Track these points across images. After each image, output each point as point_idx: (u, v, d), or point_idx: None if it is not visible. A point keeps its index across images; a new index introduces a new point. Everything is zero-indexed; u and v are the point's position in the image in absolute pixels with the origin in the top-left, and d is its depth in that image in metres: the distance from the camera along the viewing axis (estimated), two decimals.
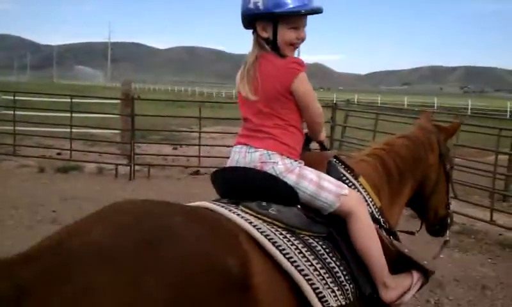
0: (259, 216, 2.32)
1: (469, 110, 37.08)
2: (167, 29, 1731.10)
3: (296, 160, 2.53)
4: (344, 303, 2.33)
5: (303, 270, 2.22)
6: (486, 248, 7.56)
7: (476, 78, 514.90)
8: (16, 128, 12.76)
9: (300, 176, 2.47)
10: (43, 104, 16.98)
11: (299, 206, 2.46)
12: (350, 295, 2.38)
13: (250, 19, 2.59)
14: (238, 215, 2.30)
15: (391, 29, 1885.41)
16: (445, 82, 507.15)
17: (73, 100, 17.84)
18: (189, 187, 10.70)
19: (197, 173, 12.14)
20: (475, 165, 11.66)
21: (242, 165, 2.54)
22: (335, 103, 11.78)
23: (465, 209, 9.19)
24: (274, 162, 2.46)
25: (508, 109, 42.08)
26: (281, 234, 2.28)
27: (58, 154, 13.33)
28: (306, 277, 2.22)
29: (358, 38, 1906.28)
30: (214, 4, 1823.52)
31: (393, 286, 2.55)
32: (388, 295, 2.53)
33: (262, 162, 2.48)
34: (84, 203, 8.89)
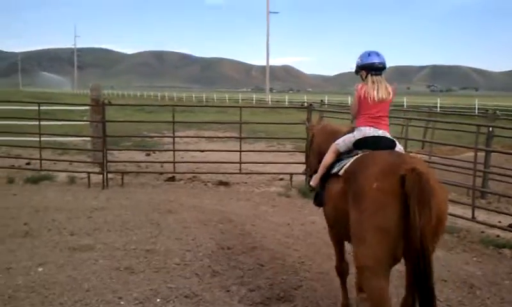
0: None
1: (438, 109, 37.46)
2: (134, 33, 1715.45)
3: None
4: None
5: None
6: (470, 246, 7.53)
7: (442, 77, 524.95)
8: None
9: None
10: (8, 112, 16.44)
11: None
12: None
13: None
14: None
15: (357, 30, 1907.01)
16: (412, 81, 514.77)
17: (40, 108, 17.43)
18: (165, 194, 10.45)
19: (172, 179, 11.88)
20: (450, 163, 11.74)
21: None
22: (310, 104, 11.64)
23: None
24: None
25: (476, 106, 42.79)
26: None
27: (27, 164, 12.91)
28: None
29: (325, 40, 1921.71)
30: (182, 8, 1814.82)
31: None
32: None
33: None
34: (57, 214, 8.59)
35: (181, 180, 11.96)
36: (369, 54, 4.80)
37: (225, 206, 9.65)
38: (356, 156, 4.42)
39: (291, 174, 11.47)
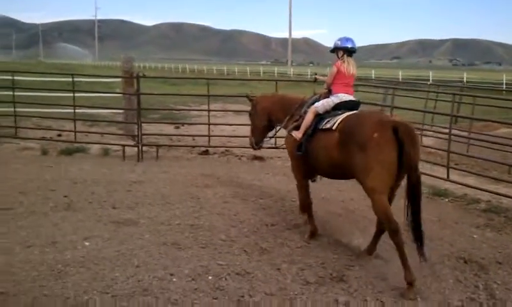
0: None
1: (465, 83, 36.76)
2: (153, 5, 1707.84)
3: None
4: None
5: None
6: None
7: (464, 51, 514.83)
8: (16, 109, 12.24)
9: None
10: (35, 84, 16.40)
11: None
12: None
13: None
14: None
15: (378, 3, 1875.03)
16: (434, 55, 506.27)
17: (66, 80, 17.37)
18: (201, 167, 10.35)
19: (206, 152, 11.76)
20: (487, 139, 11.45)
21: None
22: None
23: (487, 185, 8.95)
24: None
25: (504, 82, 41.86)
26: None
27: (59, 136, 12.89)
28: None
29: (346, 13, 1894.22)
30: None
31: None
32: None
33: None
34: (95, 187, 8.54)
35: (215, 153, 11.86)
36: (347, 39, 6.41)
37: (262, 181, 9.52)
38: (343, 115, 5.85)
39: None
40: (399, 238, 5.14)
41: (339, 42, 6.38)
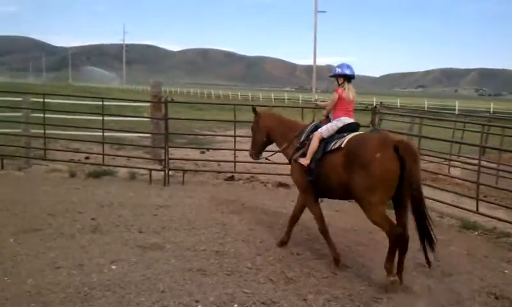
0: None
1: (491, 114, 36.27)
2: (180, 31, 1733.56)
3: None
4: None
5: None
6: None
7: (490, 80, 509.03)
8: (46, 131, 12.47)
9: None
10: (65, 106, 16.71)
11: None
12: None
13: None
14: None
15: (404, 31, 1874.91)
16: (459, 84, 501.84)
17: (95, 103, 17.64)
18: (226, 193, 10.37)
19: (231, 178, 11.79)
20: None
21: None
22: (375, 107, 11.27)
23: None
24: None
25: None
26: None
27: (86, 158, 13.07)
28: None
29: (371, 41, 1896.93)
30: (226, 7, 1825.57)
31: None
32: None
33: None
34: (122, 210, 8.61)
35: (240, 179, 11.87)
36: (347, 66, 6.78)
37: (288, 209, 9.42)
38: (348, 136, 6.20)
39: None
40: (397, 241, 5.73)
41: (339, 69, 6.78)
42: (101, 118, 12.35)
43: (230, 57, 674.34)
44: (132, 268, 6.05)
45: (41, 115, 12.52)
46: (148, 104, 14.09)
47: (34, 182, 10.73)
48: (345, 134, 6.32)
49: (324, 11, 74.29)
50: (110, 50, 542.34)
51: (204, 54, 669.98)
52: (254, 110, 7.80)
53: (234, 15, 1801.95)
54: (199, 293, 5.42)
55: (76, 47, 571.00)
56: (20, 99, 12.99)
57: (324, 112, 6.97)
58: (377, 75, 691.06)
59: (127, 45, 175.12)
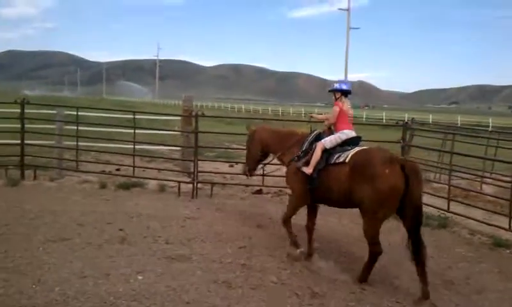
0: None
1: None
2: (213, 47, 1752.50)
3: None
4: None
5: None
6: None
7: None
8: (79, 143, 12.69)
9: None
10: (97, 119, 17.00)
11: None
12: None
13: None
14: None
15: (436, 47, 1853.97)
16: (493, 101, 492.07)
17: (126, 116, 17.87)
18: (254, 207, 10.35)
19: (259, 191, 11.77)
20: None
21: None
22: (406, 122, 11.14)
23: None
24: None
25: None
26: None
27: (117, 170, 13.24)
28: None
29: (403, 56, 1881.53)
30: (258, 23, 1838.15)
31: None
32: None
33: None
34: (150, 222, 8.66)
35: (268, 193, 11.84)
36: (344, 83, 7.40)
37: (316, 224, 9.35)
38: (352, 151, 6.56)
39: None
40: (374, 261, 6.27)
41: (337, 85, 7.27)
42: (132, 130, 12.57)
43: (262, 72, 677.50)
44: (158, 279, 6.07)
45: (75, 127, 12.77)
46: (178, 118, 14.23)
47: (65, 193, 10.90)
48: (349, 148, 6.72)
49: (358, 28, 74.04)
50: (144, 66, 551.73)
51: (236, 69, 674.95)
52: (248, 129, 8.18)
53: (266, 32, 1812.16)
54: (223, 305, 5.40)
55: (111, 62, 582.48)
56: (54, 112, 13.25)
57: (326, 123, 7.36)
58: (410, 91, 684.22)
59: (160, 61, 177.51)
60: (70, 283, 5.81)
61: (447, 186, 10.47)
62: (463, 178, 12.61)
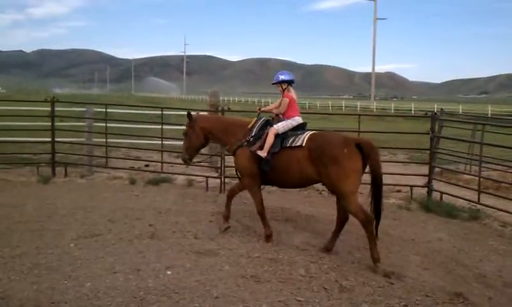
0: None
1: None
2: (239, 41, 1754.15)
3: None
4: None
5: None
6: None
7: None
8: (108, 140, 12.89)
9: None
10: (126, 116, 17.22)
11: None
12: None
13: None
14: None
15: (466, 36, 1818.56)
16: None
17: (154, 112, 18.03)
18: (281, 200, 10.35)
19: None
20: None
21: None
22: (435, 113, 10.97)
23: None
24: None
25: None
26: None
27: (146, 166, 13.41)
28: None
29: (432, 47, 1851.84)
30: (284, 16, 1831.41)
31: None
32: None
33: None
34: (179, 217, 8.76)
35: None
36: (288, 73, 7.75)
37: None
38: (306, 134, 7.08)
39: (411, 186, 10.95)
40: (371, 227, 6.57)
41: (283, 76, 7.68)
42: (160, 126, 12.72)
43: (289, 66, 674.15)
44: (186, 273, 6.14)
45: (104, 124, 12.98)
46: (206, 113, 14.31)
47: (96, 189, 11.09)
48: (299, 132, 7.23)
49: (384, 18, 73.37)
50: (172, 61, 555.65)
51: (262, 63, 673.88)
52: (188, 116, 8.16)
53: (292, 25, 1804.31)
54: (252, 300, 5.43)
55: (139, 59, 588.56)
56: (84, 109, 13.51)
57: (275, 111, 7.74)
58: (439, 82, 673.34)
59: (187, 56, 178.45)
60: (101, 278, 5.91)
61: (477, 178, 10.29)
62: (494, 170, 12.38)
